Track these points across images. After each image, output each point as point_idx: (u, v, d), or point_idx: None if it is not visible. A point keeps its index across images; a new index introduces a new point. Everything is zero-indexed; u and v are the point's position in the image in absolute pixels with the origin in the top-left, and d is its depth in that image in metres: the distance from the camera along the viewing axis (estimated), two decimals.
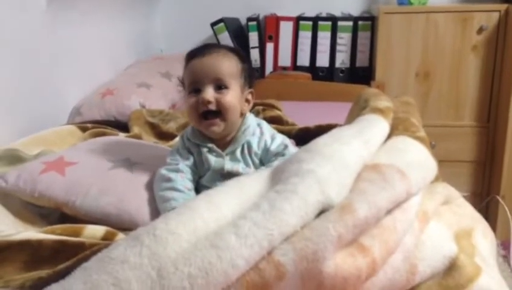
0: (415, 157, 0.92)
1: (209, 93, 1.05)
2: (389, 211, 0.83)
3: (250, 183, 0.83)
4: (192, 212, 0.71)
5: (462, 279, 0.85)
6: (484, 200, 2.28)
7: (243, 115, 1.12)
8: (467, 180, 2.32)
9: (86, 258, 0.71)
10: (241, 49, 1.17)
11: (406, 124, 1.03)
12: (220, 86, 1.06)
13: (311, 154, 0.83)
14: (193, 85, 1.07)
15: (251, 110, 1.84)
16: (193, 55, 1.08)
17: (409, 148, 0.93)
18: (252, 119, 1.14)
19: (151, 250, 0.66)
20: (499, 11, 2.11)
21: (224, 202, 0.76)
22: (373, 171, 0.84)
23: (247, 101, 1.13)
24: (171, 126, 1.72)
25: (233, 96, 1.07)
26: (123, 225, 1.02)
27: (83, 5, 1.88)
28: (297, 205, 0.74)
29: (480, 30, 2.14)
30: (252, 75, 1.15)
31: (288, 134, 1.62)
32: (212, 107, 1.05)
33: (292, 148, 1.10)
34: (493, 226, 2.22)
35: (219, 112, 1.06)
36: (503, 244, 2.19)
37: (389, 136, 1.01)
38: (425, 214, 0.91)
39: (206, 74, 1.05)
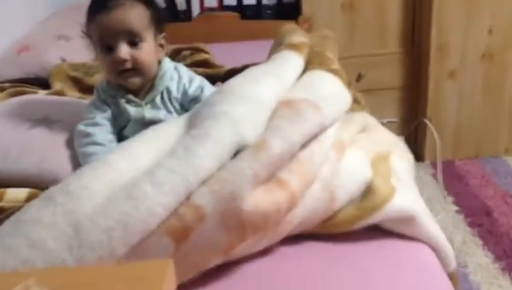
0: (329, 90, 0.94)
1: (123, 50, 1.00)
2: (305, 144, 0.86)
3: (168, 130, 0.83)
4: (106, 165, 0.72)
5: (377, 200, 0.90)
6: (413, 124, 2.38)
7: (159, 61, 1.09)
8: (397, 106, 2.40)
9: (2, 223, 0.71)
10: None
11: (321, 58, 1.04)
12: (134, 41, 1.02)
13: (224, 96, 0.84)
14: (104, 41, 1.02)
15: (178, 56, 1.83)
16: (97, 8, 1.02)
17: (323, 82, 0.96)
18: (168, 64, 1.11)
19: (65, 208, 0.66)
20: None
21: (140, 152, 0.76)
22: (287, 107, 0.86)
23: (161, 46, 1.10)
24: (96, 79, 1.66)
25: (149, 50, 1.04)
26: (47, 185, 1.00)
27: None
28: (211, 148, 0.75)
29: None
30: (162, 18, 1.11)
31: (217, 76, 1.61)
32: (129, 65, 1.02)
33: (208, 90, 1.08)
34: (422, 148, 2.34)
35: (136, 68, 1.03)
36: (432, 164, 2.32)
37: (305, 70, 1.03)
38: (342, 143, 0.96)
39: (116, 29, 0.99)
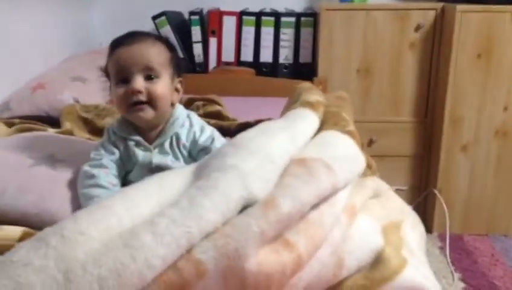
0: (343, 151, 0.91)
1: (139, 82, 1.00)
2: (315, 206, 0.82)
3: (173, 180, 0.80)
4: (105, 211, 0.68)
5: (387, 271, 0.85)
6: (422, 193, 2.34)
7: (173, 105, 1.08)
8: (406, 174, 2.37)
9: None
10: (168, 38, 1.13)
11: (337, 119, 1.02)
12: (150, 76, 1.01)
13: (235, 149, 0.81)
14: (120, 74, 1.01)
15: (191, 105, 1.83)
16: (119, 43, 1.02)
17: (337, 142, 0.93)
18: (181, 111, 1.10)
19: (57, 252, 0.62)
20: (435, 9, 2.16)
21: (142, 199, 0.73)
22: (299, 165, 0.83)
23: (176, 90, 1.09)
24: (107, 121, 1.65)
25: (164, 86, 1.03)
26: (44, 225, 0.96)
27: None
28: (218, 201, 0.72)
29: (417, 28, 2.18)
30: (181, 65, 1.11)
31: (228, 129, 1.59)
32: (143, 97, 1.00)
33: (219, 142, 1.07)
34: (431, 219, 2.28)
35: (149, 102, 1.01)
36: (440, 236, 2.26)
37: (320, 130, 1.01)
38: (353, 207, 0.92)
39: (134, 62, 0.99)
